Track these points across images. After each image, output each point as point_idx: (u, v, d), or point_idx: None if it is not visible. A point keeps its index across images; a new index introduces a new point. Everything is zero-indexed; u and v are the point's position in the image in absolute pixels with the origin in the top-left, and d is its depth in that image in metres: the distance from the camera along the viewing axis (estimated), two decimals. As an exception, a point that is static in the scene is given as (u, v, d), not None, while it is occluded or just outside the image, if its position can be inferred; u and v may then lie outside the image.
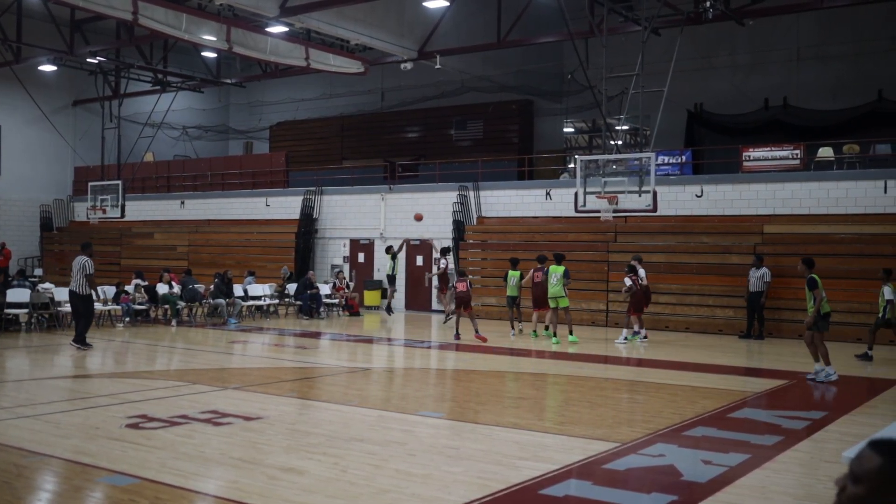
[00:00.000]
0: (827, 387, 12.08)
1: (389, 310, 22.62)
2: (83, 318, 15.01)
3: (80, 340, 14.72)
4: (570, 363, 14.40)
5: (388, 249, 22.68)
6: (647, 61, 18.33)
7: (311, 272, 23.72)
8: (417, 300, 25.32)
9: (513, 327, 18.28)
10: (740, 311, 19.32)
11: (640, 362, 14.34)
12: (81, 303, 14.95)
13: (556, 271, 16.67)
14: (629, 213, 18.91)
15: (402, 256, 24.28)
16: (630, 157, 18.41)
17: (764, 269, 17.98)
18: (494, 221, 24.55)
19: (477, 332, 16.81)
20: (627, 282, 16.43)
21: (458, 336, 17.19)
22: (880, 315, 15.05)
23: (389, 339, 17.99)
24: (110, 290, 20.14)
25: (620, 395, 11.04)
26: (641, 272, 17.23)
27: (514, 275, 18.20)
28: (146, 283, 20.90)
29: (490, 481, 6.53)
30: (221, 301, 20.88)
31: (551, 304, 16.86)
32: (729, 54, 26.05)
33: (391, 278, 22.43)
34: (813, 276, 12.56)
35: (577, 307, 20.97)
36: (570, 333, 16.86)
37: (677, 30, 19.57)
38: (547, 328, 17.29)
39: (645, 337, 17.08)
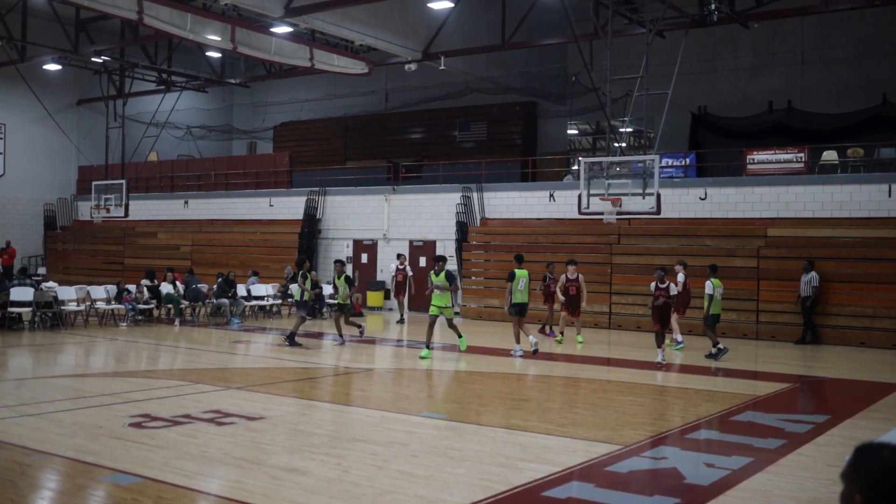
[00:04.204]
0: (827, 390, 12.06)
1: (292, 338, 16.10)
2: None
3: None
4: (573, 365, 14.39)
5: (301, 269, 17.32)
6: (651, 64, 18.32)
7: (313, 272, 23.70)
8: (422, 302, 25.28)
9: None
10: (743, 314, 19.33)
11: (643, 365, 14.32)
12: None
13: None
14: (633, 215, 18.88)
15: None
16: (634, 159, 18.38)
17: (812, 274, 17.76)
18: (498, 223, 24.54)
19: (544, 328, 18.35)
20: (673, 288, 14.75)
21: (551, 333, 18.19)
22: (707, 312, 15.00)
23: (391, 341, 17.98)
24: (112, 289, 20.16)
25: (623, 397, 11.03)
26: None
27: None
28: (154, 283, 20.90)
29: (492, 483, 6.53)
30: (224, 301, 20.89)
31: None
32: (733, 57, 26.03)
33: (301, 303, 16.93)
34: (514, 270, 15.02)
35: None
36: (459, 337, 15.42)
37: (682, 32, 19.57)
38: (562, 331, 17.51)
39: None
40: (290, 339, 15.93)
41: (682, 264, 16.78)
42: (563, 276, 16.99)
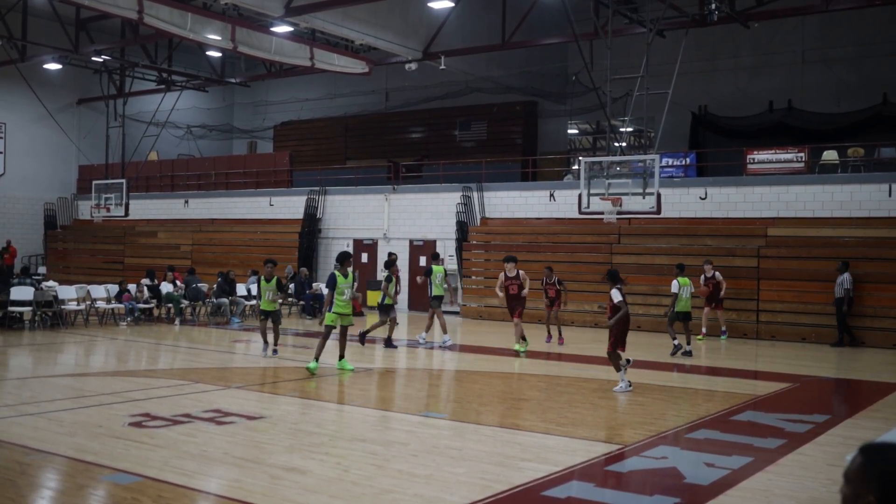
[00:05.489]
0: (827, 390, 12.04)
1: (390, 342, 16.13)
2: None
3: None
4: (573, 365, 14.39)
5: (390, 265, 16.74)
6: (651, 63, 18.32)
7: (303, 269, 23.76)
8: (422, 301, 25.30)
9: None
10: (744, 314, 19.33)
11: (643, 365, 14.31)
12: None
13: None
14: (633, 215, 18.90)
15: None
16: (634, 158, 18.38)
17: (845, 275, 17.55)
18: (498, 222, 24.55)
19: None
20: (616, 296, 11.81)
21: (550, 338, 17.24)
22: (672, 310, 15.24)
23: (392, 340, 17.97)
24: (114, 289, 20.17)
25: (623, 396, 11.02)
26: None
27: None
28: (154, 282, 20.90)
29: (492, 482, 6.53)
30: (225, 300, 20.89)
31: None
32: (733, 57, 26.03)
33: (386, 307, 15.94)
34: (431, 267, 16.54)
35: (580, 309, 21.02)
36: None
37: (682, 32, 19.57)
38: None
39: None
40: (361, 338, 15.99)
41: (709, 263, 17.99)
42: (502, 274, 15.23)
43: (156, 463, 6.90)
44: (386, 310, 15.66)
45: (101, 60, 27.49)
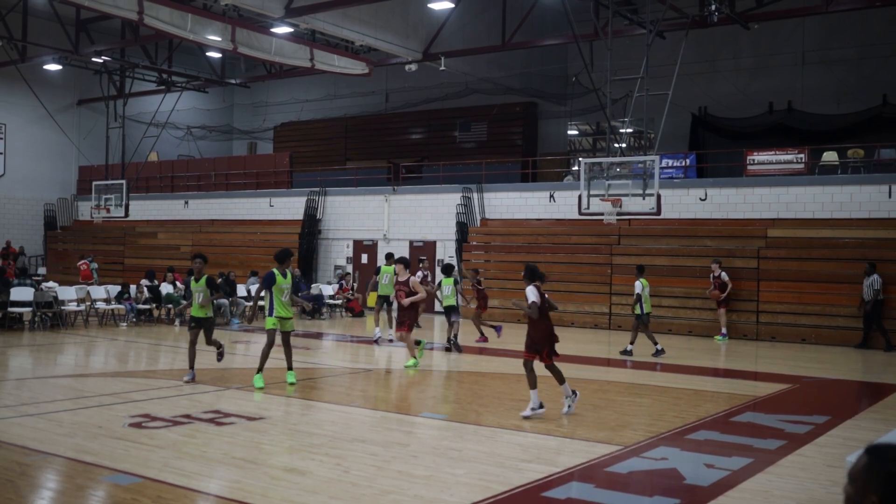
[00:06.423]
0: (827, 391, 12.05)
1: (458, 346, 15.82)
2: None
3: None
4: (573, 365, 14.37)
5: (448, 270, 16.22)
6: (651, 64, 18.33)
7: (296, 271, 23.78)
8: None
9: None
10: (743, 315, 19.33)
11: (643, 365, 14.33)
12: None
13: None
14: (633, 216, 18.91)
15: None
16: (634, 160, 18.39)
17: (874, 277, 17.34)
18: (498, 223, 24.55)
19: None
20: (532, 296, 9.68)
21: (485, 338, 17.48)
22: (641, 311, 15.16)
23: (391, 341, 17.98)
24: (114, 290, 20.16)
25: (623, 397, 11.03)
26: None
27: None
28: (154, 283, 20.88)
29: (492, 483, 6.53)
30: (224, 301, 20.88)
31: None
32: (733, 58, 26.05)
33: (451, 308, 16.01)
34: (380, 266, 16.95)
35: (580, 310, 21.02)
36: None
37: (682, 33, 19.58)
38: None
39: None
40: (457, 347, 15.74)
41: (717, 262, 18.58)
42: (395, 278, 14.07)
43: (156, 464, 6.90)
44: (450, 312, 15.95)
45: (101, 61, 27.49)
